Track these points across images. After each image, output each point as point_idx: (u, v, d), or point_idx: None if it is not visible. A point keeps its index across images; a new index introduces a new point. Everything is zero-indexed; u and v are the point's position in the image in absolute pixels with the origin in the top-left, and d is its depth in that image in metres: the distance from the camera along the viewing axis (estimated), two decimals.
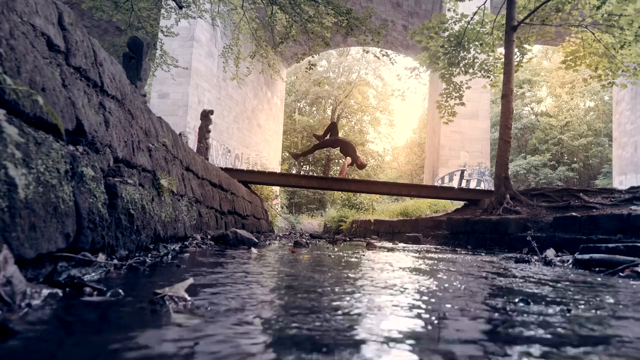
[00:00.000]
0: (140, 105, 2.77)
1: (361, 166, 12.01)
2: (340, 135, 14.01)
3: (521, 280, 2.17)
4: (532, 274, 2.57)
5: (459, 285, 1.81)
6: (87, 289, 1.06)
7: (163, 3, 12.16)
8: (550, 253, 4.83)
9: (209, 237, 4.06)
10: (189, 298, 1.02)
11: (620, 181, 18.23)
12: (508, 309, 1.22)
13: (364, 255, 3.60)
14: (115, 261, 1.60)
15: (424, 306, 1.25)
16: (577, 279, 2.44)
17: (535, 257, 4.47)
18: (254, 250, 3.19)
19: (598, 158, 28.68)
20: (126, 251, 1.82)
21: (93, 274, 1.36)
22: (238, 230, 4.15)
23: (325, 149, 15.75)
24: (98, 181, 1.57)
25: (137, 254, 2.09)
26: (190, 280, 1.15)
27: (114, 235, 1.66)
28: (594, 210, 7.05)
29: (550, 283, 2.14)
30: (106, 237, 1.57)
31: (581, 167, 29.42)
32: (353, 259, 3.03)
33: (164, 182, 2.79)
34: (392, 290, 1.55)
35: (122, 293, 1.07)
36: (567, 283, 2.16)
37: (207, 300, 1.08)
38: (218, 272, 1.70)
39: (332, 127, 12.49)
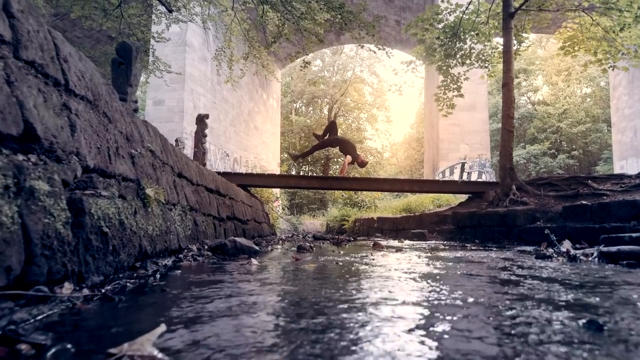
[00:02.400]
0: (119, 108, 2.50)
1: (362, 164, 11.75)
2: (338, 133, 13.76)
3: (558, 284, 1.91)
4: (565, 275, 2.30)
5: (494, 298, 1.55)
6: (23, 347, 0.79)
7: (153, 9, 11.89)
8: (567, 245, 4.57)
9: (206, 247, 3.79)
10: (158, 355, 0.75)
11: (621, 166, 18.00)
12: (583, 339, 0.96)
13: (372, 259, 3.34)
14: (85, 291, 1.33)
15: (464, 339, 0.98)
16: (616, 278, 2.18)
17: (551, 250, 4.19)
18: (254, 261, 2.93)
19: (597, 144, 28.45)
20: (101, 276, 1.55)
21: (50, 312, 1.09)
22: (237, 239, 3.88)
23: (324, 148, 15.55)
24: (57, 196, 1.30)
25: (119, 276, 1.82)
26: (162, 328, 0.87)
27: (82, 259, 1.39)
28: (605, 197, 6.80)
29: (590, 286, 1.88)
30: (69, 263, 1.30)
31: (581, 154, 29.19)
32: (362, 266, 2.76)
33: (150, 192, 2.52)
34: (415, 309, 1.29)
35: (71, 349, 0.79)
36: (612, 286, 1.90)
37: (183, 353, 0.80)
38: (208, 298, 1.43)
39: (332, 126, 12.24)
